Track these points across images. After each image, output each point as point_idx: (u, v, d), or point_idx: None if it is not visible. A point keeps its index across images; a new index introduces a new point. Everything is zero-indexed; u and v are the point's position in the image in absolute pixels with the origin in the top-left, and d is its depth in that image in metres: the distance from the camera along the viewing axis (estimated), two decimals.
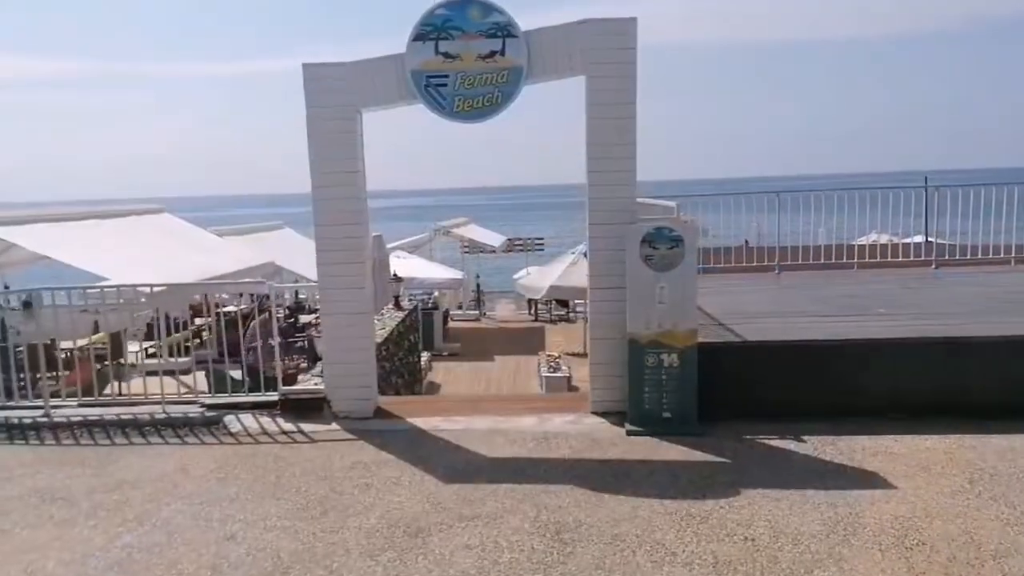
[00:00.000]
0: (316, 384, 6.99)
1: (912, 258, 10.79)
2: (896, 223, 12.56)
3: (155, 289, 7.70)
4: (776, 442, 5.87)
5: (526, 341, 20.70)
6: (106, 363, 10.24)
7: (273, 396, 6.85)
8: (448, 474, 5.36)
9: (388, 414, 6.81)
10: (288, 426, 6.53)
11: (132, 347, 18.29)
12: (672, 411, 6.18)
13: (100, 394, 7.22)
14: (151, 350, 17.60)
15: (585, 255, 17.48)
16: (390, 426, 6.52)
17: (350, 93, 6.42)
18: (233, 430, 6.50)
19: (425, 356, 15.11)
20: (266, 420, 6.66)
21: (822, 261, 10.66)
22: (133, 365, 16.96)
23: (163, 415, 6.75)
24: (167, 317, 11.42)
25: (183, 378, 7.68)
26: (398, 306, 11.00)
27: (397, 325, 10.01)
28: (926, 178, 12.25)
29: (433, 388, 14.82)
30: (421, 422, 6.55)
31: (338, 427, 6.50)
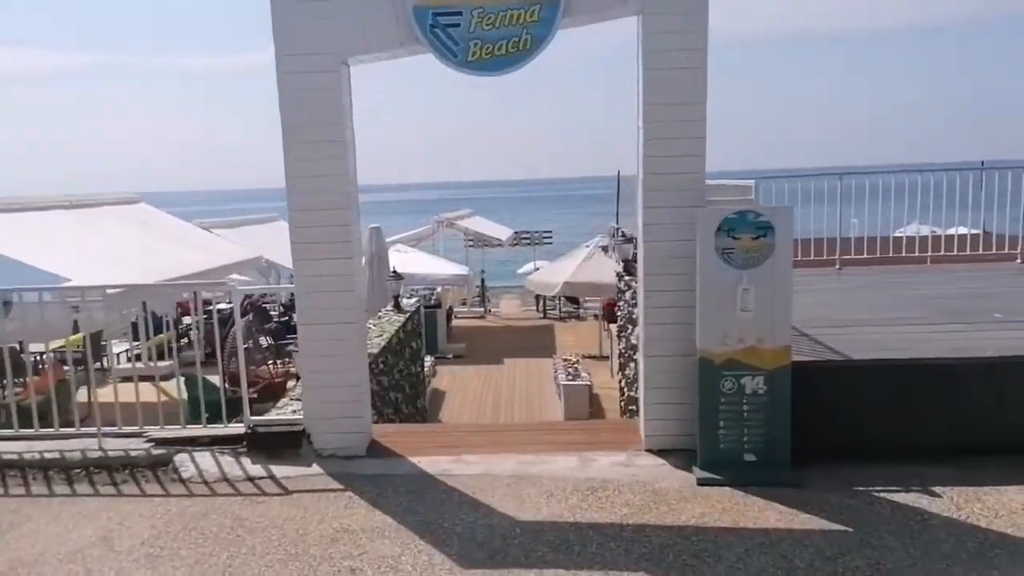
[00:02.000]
0: (294, 412, 5.52)
1: (995, 251, 9.29)
2: (937, 215, 11.07)
3: (109, 291, 6.25)
4: (900, 496, 4.40)
5: (536, 341, 19.26)
6: (79, 368, 8.94)
7: (238, 428, 5.38)
8: (466, 551, 3.89)
9: (385, 451, 5.34)
10: (256, 469, 5.06)
11: (116, 348, 17.00)
12: (757, 452, 4.71)
13: (68, 405, 5.73)
14: (134, 351, 16.29)
15: (603, 248, 16.09)
16: (387, 468, 5.05)
17: (334, 38, 4.92)
18: (185, 474, 5.03)
19: (428, 361, 13.65)
20: (228, 460, 5.18)
21: (891, 254, 9.18)
22: (106, 370, 15.65)
23: (98, 452, 5.29)
24: (154, 316, 10.05)
25: (165, 385, 6.18)
26: (398, 307, 9.53)
27: (397, 331, 8.54)
28: (983, 162, 10.75)
29: (437, 397, 13.37)
30: (427, 463, 5.08)
31: (320, 470, 5.04)
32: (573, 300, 23.13)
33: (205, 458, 5.21)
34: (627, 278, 8.96)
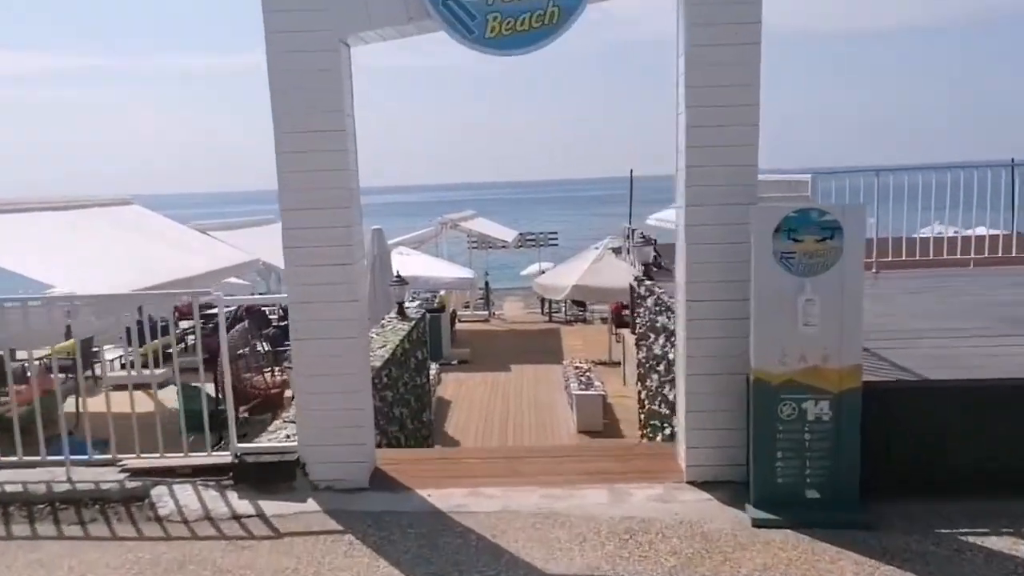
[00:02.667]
0: (288, 438, 4.89)
1: None
2: (954, 215, 10.39)
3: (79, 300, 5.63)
4: (992, 541, 3.77)
5: (542, 345, 18.65)
6: (70, 376, 8.37)
7: (224, 456, 4.75)
8: None
9: (390, 482, 4.71)
10: (243, 505, 4.43)
11: (111, 354, 16.39)
12: (820, 487, 4.08)
13: (53, 417, 5.08)
14: (127, 358, 15.67)
15: (614, 250, 15.46)
16: (393, 504, 4.41)
17: (332, 14, 4.30)
18: (162, 512, 4.40)
19: (434, 369, 13.02)
20: (212, 495, 4.56)
21: (930, 256, 8.54)
22: (97, 378, 15.03)
23: (66, 485, 4.67)
24: (150, 320, 9.44)
25: (161, 395, 5.53)
26: (402, 315, 8.90)
27: (402, 340, 7.92)
28: (1012, 160, 10.11)
29: (443, 407, 12.74)
30: (438, 496, 4.46)
31: (316, 506, 4.41)
32: (580, 303, 22.50)
33: (186, 492, 4.58)
34: (648, 283, 8.33)
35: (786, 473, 4.11)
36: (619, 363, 15.14)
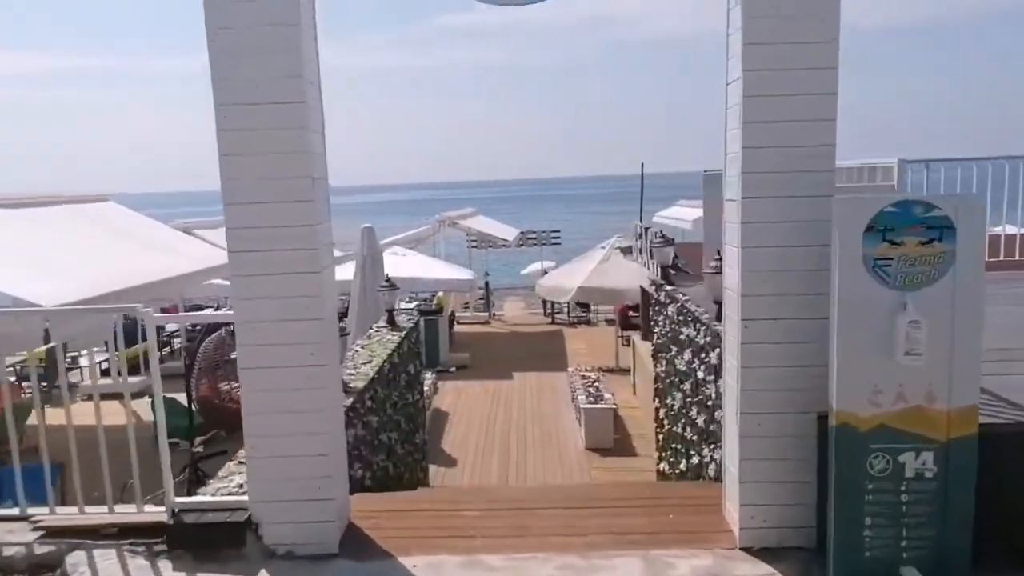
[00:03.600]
0: (240, 487, 3.93)
1: None
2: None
3: None
4: None
5: (545, 349, 17.74)
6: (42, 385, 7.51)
7: (159, 513, 3.79)
8: None
9: (366, 543, 3.76)
10: None
11: (85, 360, 15.43)
12: (921, 562, 3.14)
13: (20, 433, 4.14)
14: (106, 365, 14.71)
15: (622, 250, 14.49)
16: None
17: None
18: None
19: (429, 379, 12.08)
20: (139, 564, 3.60)
21: (1001, 257, 7.56)
22: (72, 387, 14.08)
23: None
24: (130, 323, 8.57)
25: (135, 404, 4.57)
26: (392, 323, 7.95)
27: (391, 354, 6.97)
28: None
29: (440, 420, 11.80)
30: (425, 568, 3.51)
31: None
32: (583, 304, 21.56)
33: (108, 561, 3.62)
34: (669, 288, 7.39)
35: (876, 544, 3.16)
36: (628, 370, 14.21)
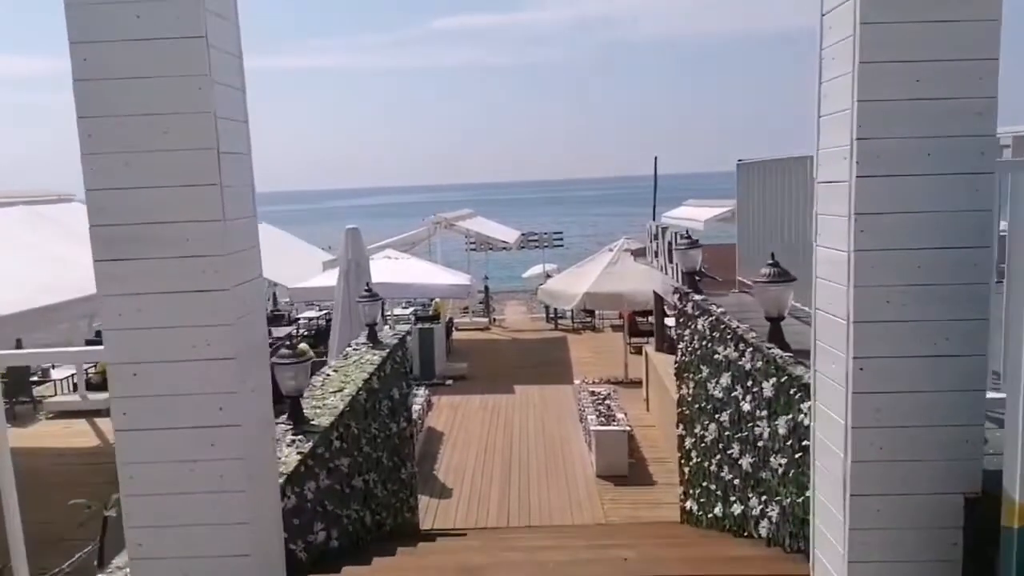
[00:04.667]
0: None
1: None
2: None
3: None
4: None
5: (549, 359, 16.59)
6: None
7: None
8: None
9: None
10: None
11: (58, 373, 14.30)
12: None
13: None
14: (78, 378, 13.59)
15: (632, 252, 13.34)
16: None
17: None
18: None
19: (421, 397, 10.93)
20: None
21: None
22: (38, 402, 12.94)
23: None
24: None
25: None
26: (374, 340, 6.82)
27: (369, 378, 5.83)
28: None
29: (433, 442, 10.66)
30: None
31: None
32: (588, 308, 20.42)
33: None
34: (697, 298, 6.26)
35: None
36: (639, 382, 13.07)
